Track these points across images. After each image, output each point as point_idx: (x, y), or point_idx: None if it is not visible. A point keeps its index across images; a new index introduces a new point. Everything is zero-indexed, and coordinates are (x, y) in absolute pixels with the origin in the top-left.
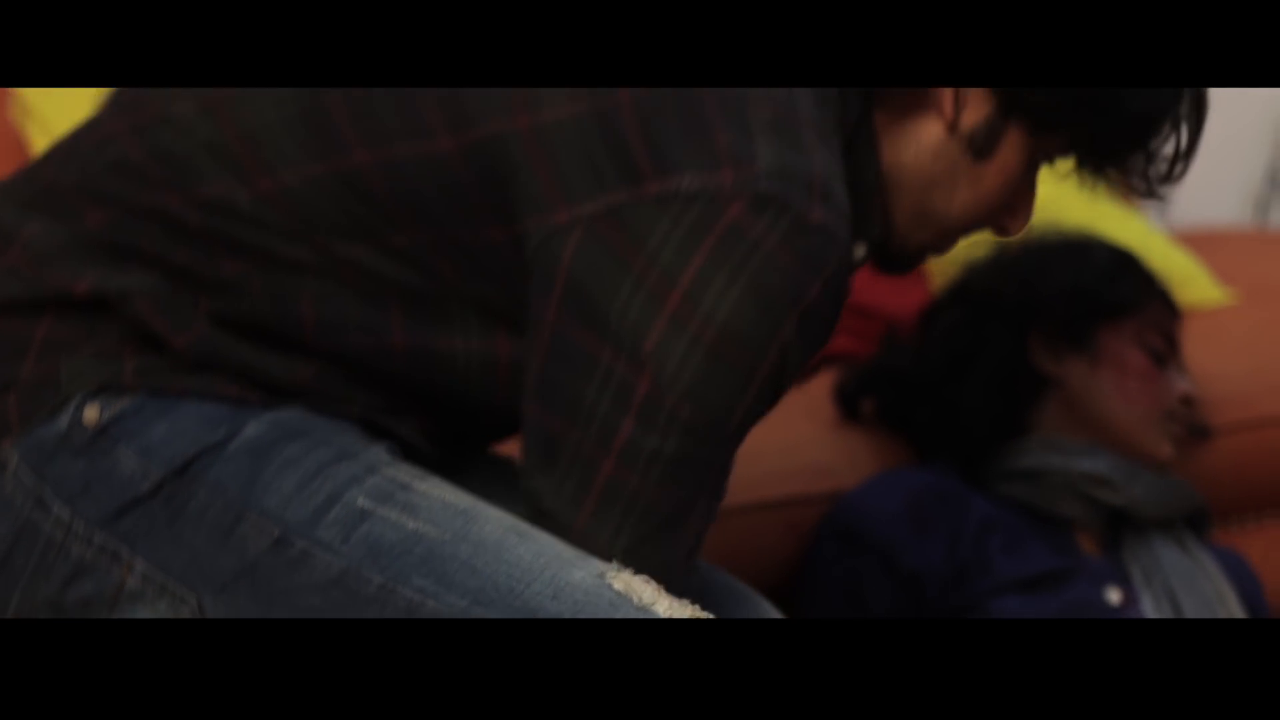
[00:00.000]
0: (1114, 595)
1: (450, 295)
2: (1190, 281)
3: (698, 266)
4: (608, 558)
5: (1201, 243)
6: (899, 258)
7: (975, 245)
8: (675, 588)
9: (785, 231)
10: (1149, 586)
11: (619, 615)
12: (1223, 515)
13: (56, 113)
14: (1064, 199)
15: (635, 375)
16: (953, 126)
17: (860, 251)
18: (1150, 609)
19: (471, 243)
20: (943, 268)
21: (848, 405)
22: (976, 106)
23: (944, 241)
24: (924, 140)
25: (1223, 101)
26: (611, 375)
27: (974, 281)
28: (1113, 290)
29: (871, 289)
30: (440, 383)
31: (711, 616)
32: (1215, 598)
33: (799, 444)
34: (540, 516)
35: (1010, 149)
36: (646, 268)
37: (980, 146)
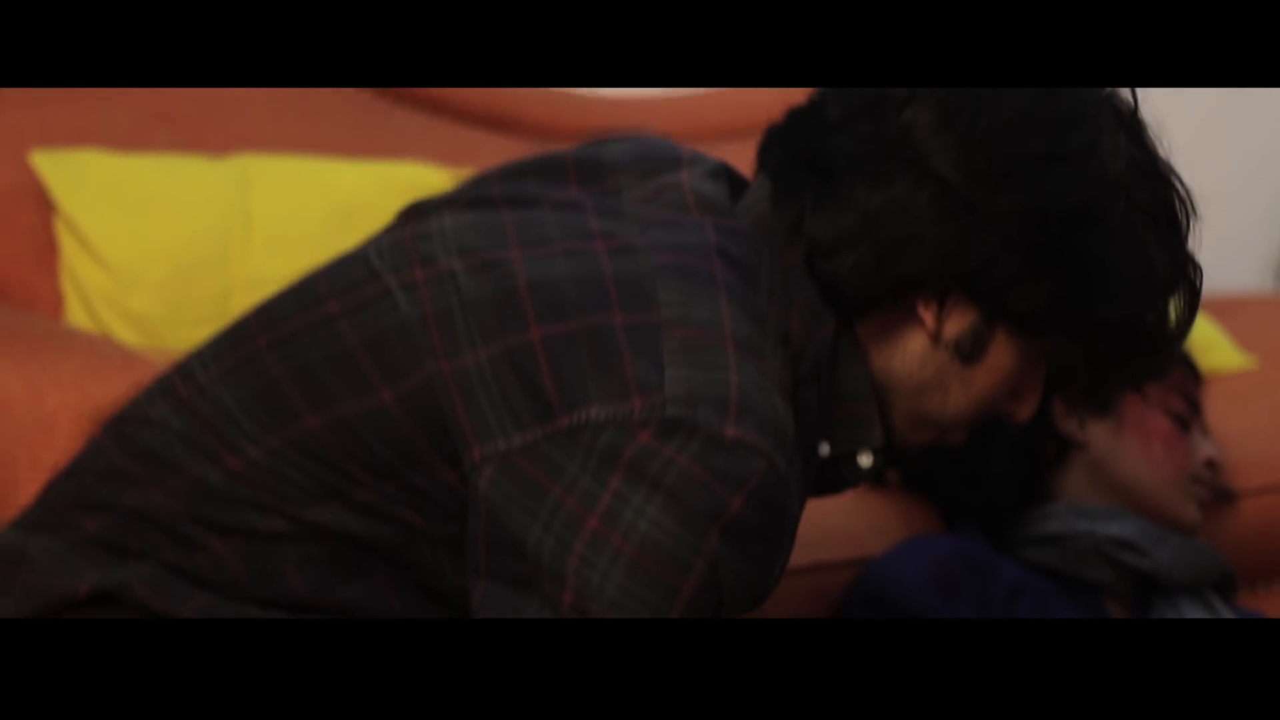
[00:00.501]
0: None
1: (421, 540)
2: (1212, 347)
3: (614, 488)
4: None
5: (1222, 309)
6: (906, 457)
7: None
8: None
9: (697, 451)
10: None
11: None
12: (1248, 578)
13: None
14: None
15: (559, 591)
16: (936, 337)
17: (824, 449)
18: None
19: (429, 487)
20: None
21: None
22: (960, 316)
23: (948, 436)
24: (910, 349)
25: (1239, 167)
26: (543, 594)
27: None
28: None
29: None
30: (438, 616)
31: None
32: None
33: (824, 510)
34: None
35: (1001, 351)
36: (564, 494)
37: (968, 353)
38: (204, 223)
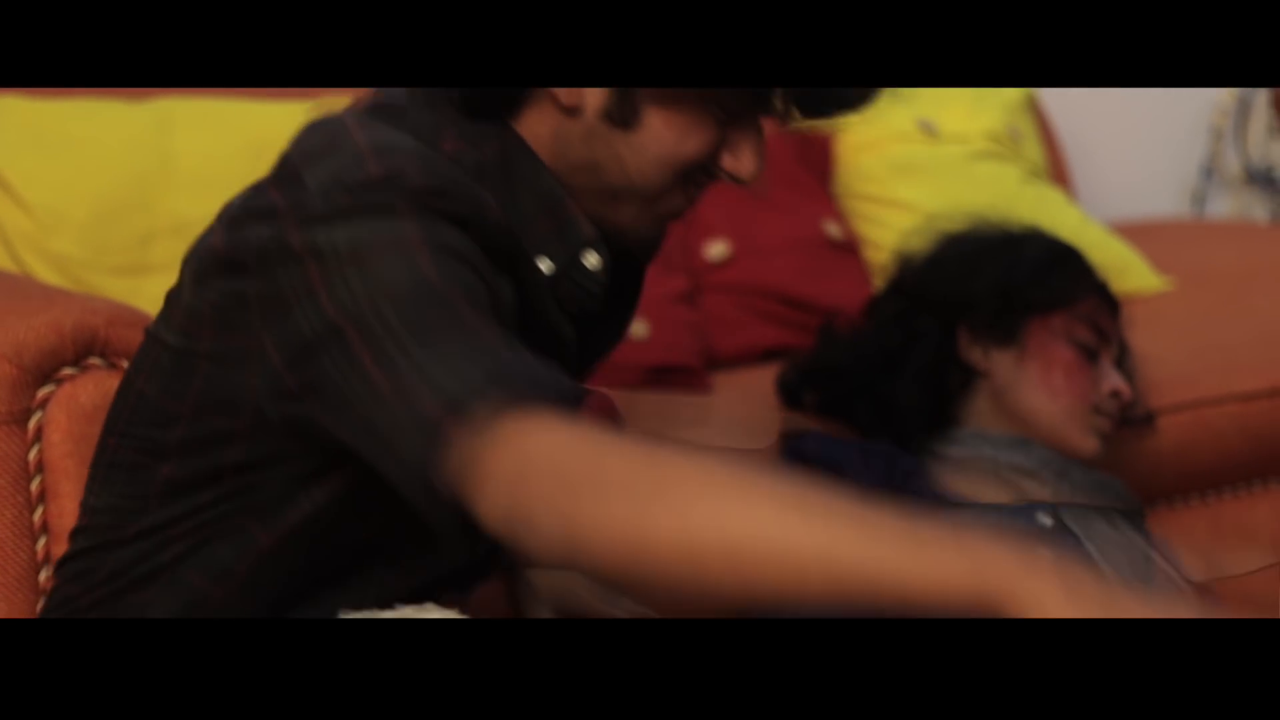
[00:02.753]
0: (1046, 519)
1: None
2: (1129, 270)
3: (311, 273)
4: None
5: (1140, 233)
6: (633, 244)
7: (913, 236)
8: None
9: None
10: (1090, 540)
11: None
12: (1165, 494)
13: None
14: (1005, 188)
15: (340, 329)
16: (579, 110)
17: (546, 265)
18: (1094, 554)
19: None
20: (886, 264)
21: (790, 397)
22: (596, 90)
23: (657, 205)
24: (569, 135)
25: (1158, 98)
26: (332, 354)
27: (908, 275)
28: (1042, 286)
29: (816, 285)
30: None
31: None
32: (1144, 559)
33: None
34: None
35: (656, 113)
36: (295, 299)
37: (620, 119)
38: (125, 165)
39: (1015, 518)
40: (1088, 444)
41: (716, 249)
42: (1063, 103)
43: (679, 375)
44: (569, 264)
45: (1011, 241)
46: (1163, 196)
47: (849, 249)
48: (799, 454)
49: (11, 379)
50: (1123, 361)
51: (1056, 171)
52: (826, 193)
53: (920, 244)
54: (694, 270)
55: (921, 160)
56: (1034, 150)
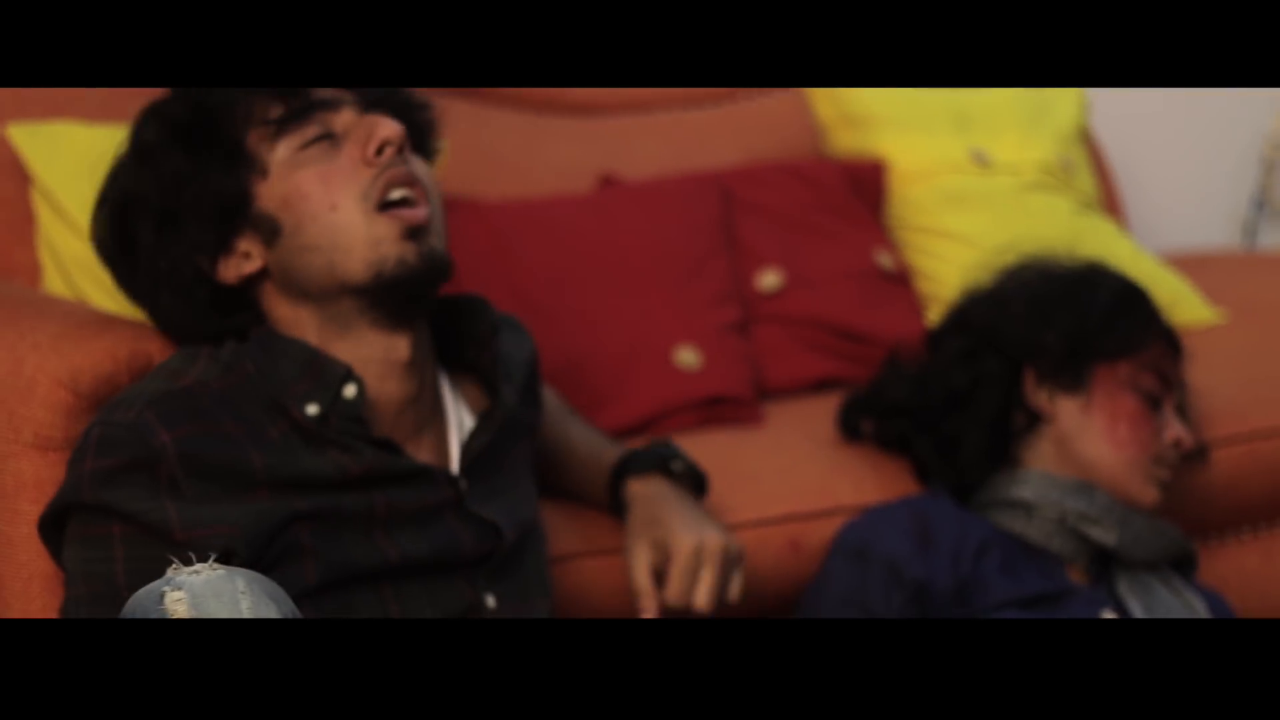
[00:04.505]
0: (1109, 616)
1: None
2: (1180, 302)
3: None
4: None
5: (1190, 265)
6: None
7: (979, 271)
8: None
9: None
10: (1151, 614)
11: None
12: (1216, 526)
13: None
14: (1057, 219)
15: None
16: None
17: (313, 410)
18: None
19: None
20: (940, 302)
21: (849, 427)
22: (243, 255)
23: (352, 240)
24: (269, 297)
25: (1210, 128)
26: None
27: (975, 312)
28: (1110, 334)
29: (868, 316)
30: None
31: None
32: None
33: (797, 464)
34: None
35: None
36: None
37: (268, 234)
38: None
39: (1084, 612)
40: (1148, 494)
41: (768, 279)
42: (1115, 134)
43: (730, 406)
44: (333, 402)
45: (1081, 284)
46: (1213, 228)
47: (901, 280)
48: (850, 546)
49: (67, 405)
50: (1182, 405)
51: (1109, 202)
52: (878, 223)
53: (986, 280)
54: (746, 301)
55: (974, 191)
56: (1086, 181)
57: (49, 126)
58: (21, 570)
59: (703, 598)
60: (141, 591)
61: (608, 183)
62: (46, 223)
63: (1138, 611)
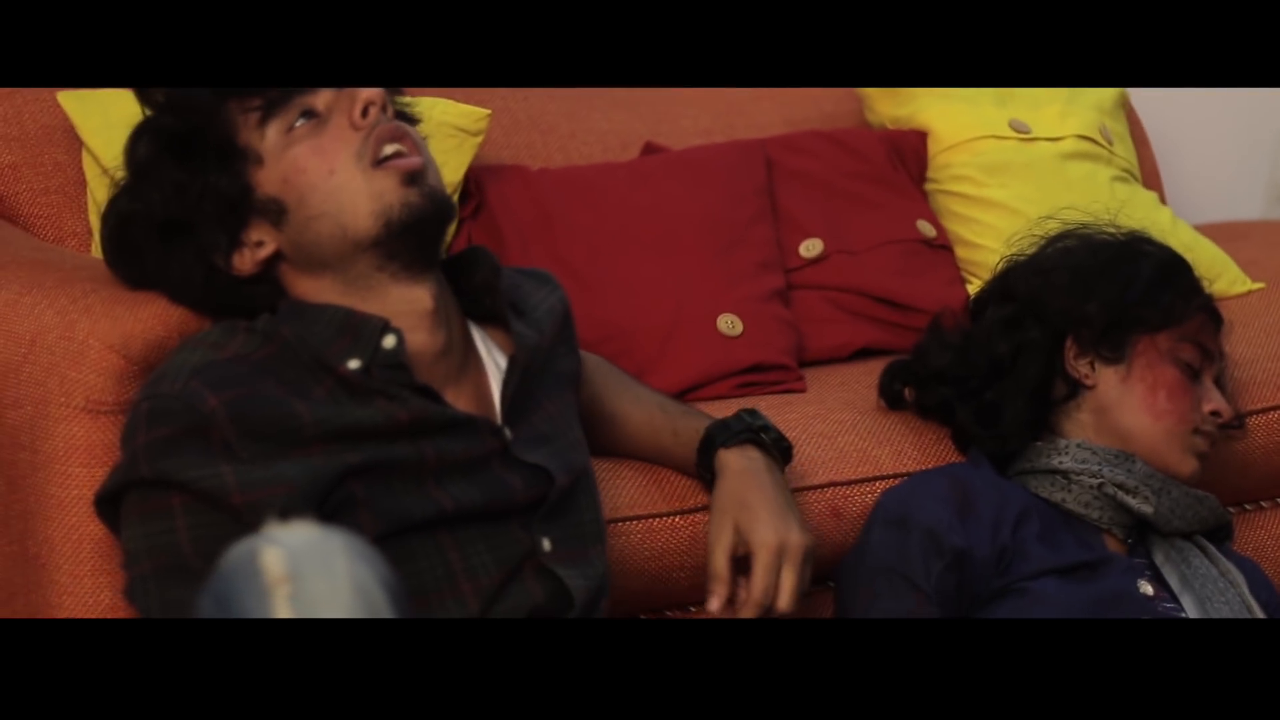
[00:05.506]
0: (1147, 588)
1: None
2: (1218, 271)
3: None
4: None
5: (1227, 235)
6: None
7: (1022, 239)
8: None
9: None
10: (1189, 589)
11: None
12: (1253, 495)
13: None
14: (1096, 188)
15: None
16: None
17: (354, 364)
18: (1192, 610)
19: None
20: (981, 270)
21: (890, 395)
22: (257, 243)
23: (355, 198)
24: (298, 269)
25: (1245, 102)
26: None
27: (1018, 281)
28: (1152, 306)
29: (909, 284)
30: None
31: None
32: (1242, 605)
33: (838, 431)
34: None
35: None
36: None
37: (276, 217)
38: None
39: (1121, 581)
40: (1187, 465)
41: (809, 247)
42: (1152, 105)
43: (772, 373)
44: (374, 354)
45: (1124, 255)
46: (1250, 199)
47: (942, 248)
48: (891, 514)
49: (119, 370)
50: (1221, 377)
51: (1147, 173)
52: (919, 192)
53: (1029, 248)
54: (787, 269)
55: (1014, 160)
56: (1126, 151)
57: (99, 93)
58: (72, 533)
59: (785, 600)
60: (237, 548)
61: (651, 150)
62: (97, 189)
63: (1174, 580)
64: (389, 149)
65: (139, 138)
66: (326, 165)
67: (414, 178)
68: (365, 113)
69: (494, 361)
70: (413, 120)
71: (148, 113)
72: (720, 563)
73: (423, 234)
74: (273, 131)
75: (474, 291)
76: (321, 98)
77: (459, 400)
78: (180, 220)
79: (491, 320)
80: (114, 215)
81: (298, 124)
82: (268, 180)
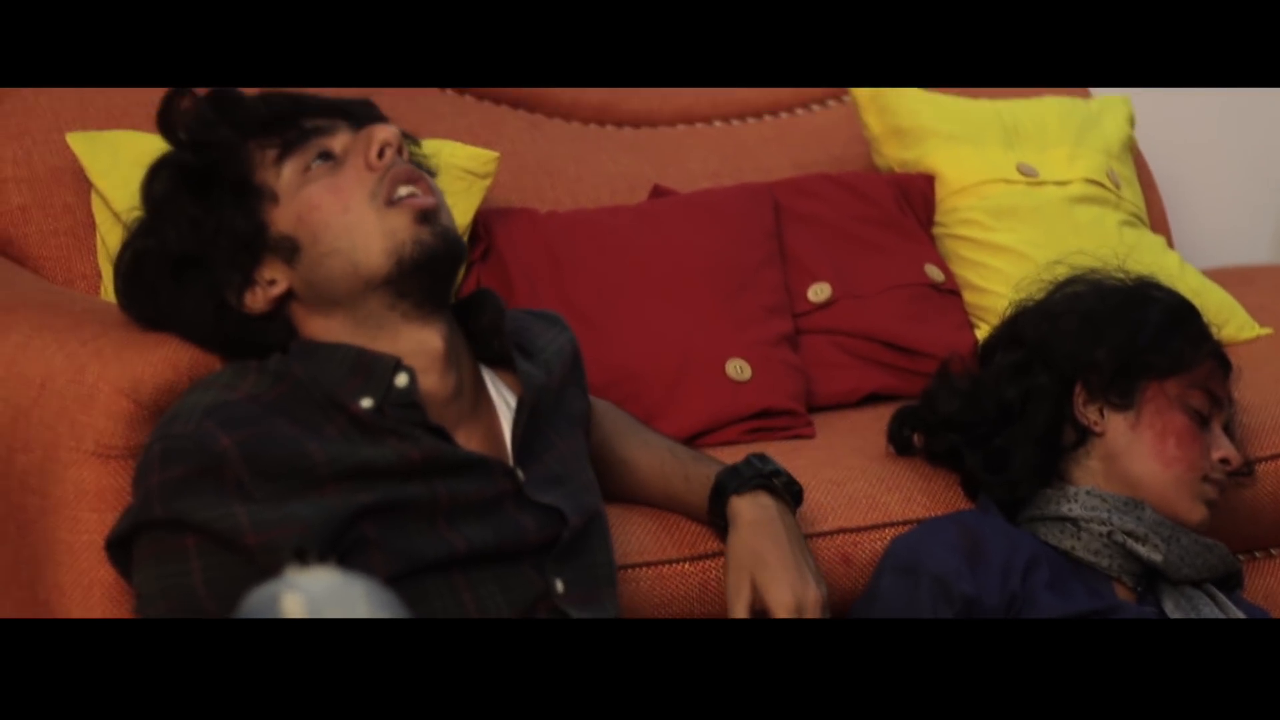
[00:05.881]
0: None
1: None
2: (1226, 316)
3: None
4: None
5: (1235, 280)
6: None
7: (1030, 284)
8: None
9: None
10: None
11: None
12: (1262, 542)
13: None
14: (1104, 233)
15: None
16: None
17: (367, 403)
18: None
19: None
20: (989, 314)
21: (899, 441)
22: (269, 282)
23: (369, 236)
24: (309, 308)
25: (1253, 145)
26: None
27: (1027, 326)
28: (1161, 352)
29: (917, 329)
30: None
31: None
32: None
33: (848, 478)
34: None
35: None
36: None
37: (289, 254)
38: None
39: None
40: (1196, 512)
41: (818, 291)
42: (1159, 149)
43: (781, 418)
44: (386, 393)
45: (1133, 301)
46: (1257, 243)
47: (950, 292)
48: (900, 561)
49: (128, 414)
50: (1230, 423)
51: (1155, 217)
52: (927, 236)
53: (1037, 293)
54: (795, 313)
55: (1021, 204)
56: (1134, 195)
57: (108, 135)
58: (82, 578)
59: None
60: (258, 593)
61: (659, 193)
62: (106, 231)
63: None
64: (403, 190)
65: (157, 173)
66: (341, 203)
67: (427, 216)
68: (381, 154)
69: (505, 403)
70: (429, 171)
71: (168, 148)
72: (739, 618)
73: (434, 272)
74: (289, 170)
75: (481, 334)
76: (339, 140)
77: (471, 442)
78: (194, 256)
79: (501, 363)
80: (128, 251)
81: (314, 164)
82: (282, 218)
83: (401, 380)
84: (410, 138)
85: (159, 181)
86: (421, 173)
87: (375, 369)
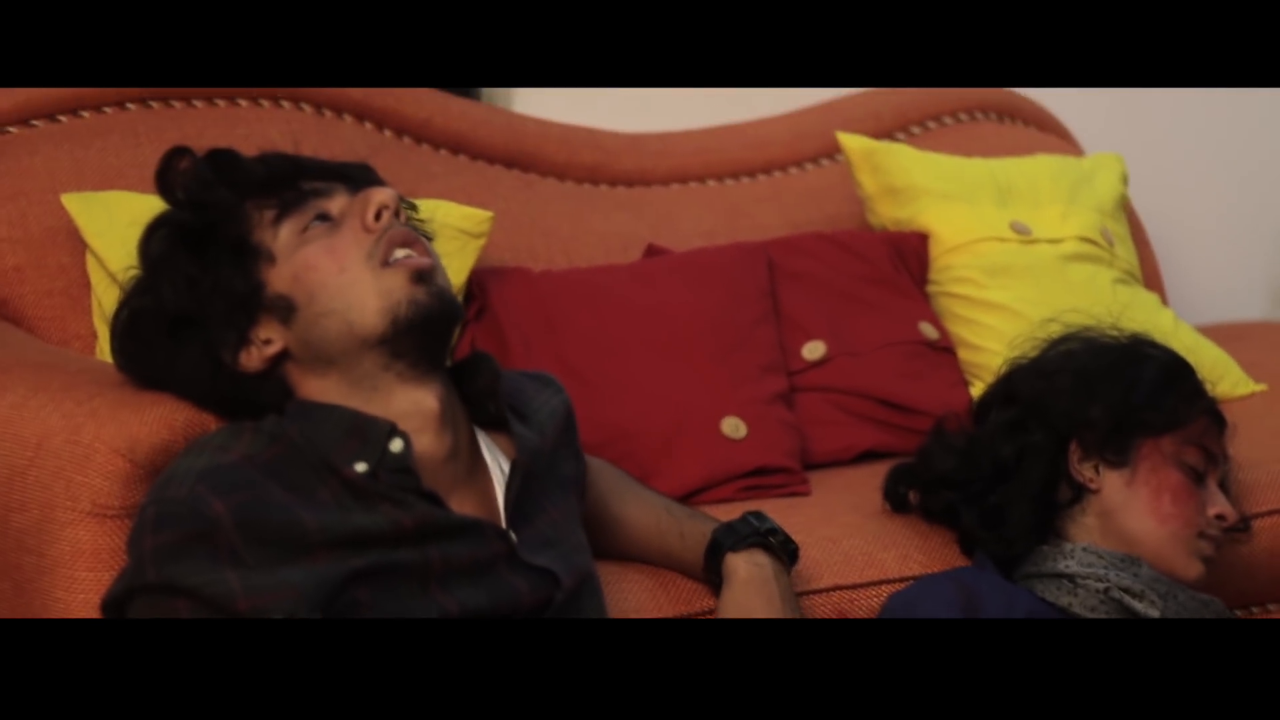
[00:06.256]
0: None
1: None
2: (1221, 373)
3: None
4: None
5: (1228, 336)
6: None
7: (1024, 342)
8: None
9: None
10: None
11: None
12: (1259, 598)
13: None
14: (1098, 290)
15: None
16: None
17: (361, 468)
18: None
19: None
20: (984, 372)
21: (895, 498)
22: (264, 343)
23: (364, 295)
24: (305, 367)
25: (1246, 205)
26: None
27: (1022, 384)
28: (1156, 410)
29: (912, 386)
30: None
31: None
32: None
33: (843, 535)
34: None
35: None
36: None
37: (285, 313)
38: None
39: None
40: (1192, 568)
41: (812, 349)
42: (1153, 206)
43: (776, 476)
44: (381, 458)
45: (1127, 359)
46: (1251, 300)
47: (944, 350)
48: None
49: (125, 474)
50: (1225, 479)
51: (1149, 274)
52: (921, 294)
53: (1032, 351)
54: (790, 371)
55: (1015, 262)
56: (1128, 253)
57: (103, 195)
58: None
59: None
60: None
61: (654, 252)
62: (101, 291)
63: None
64: (400, 253)
65: (154, 231)
66: (337, 263)
67: (423, 276)
68: (378, 216)
69: (498, 466)
70: (425, 235)
71: (163, 208)
72: None
73: (429, 332)
74: (286, 231)
75: (477, 396)
76: (336, 202)
77: (465, 504)
78: (190, 315)
79: (495, 425)
80: (125, 309)
81: (311, 225)
82: (279, 278)
83: (396, 445)
84: (408, 202)
85: (156, 240)
86: (418, 235)
87: (370, 433)
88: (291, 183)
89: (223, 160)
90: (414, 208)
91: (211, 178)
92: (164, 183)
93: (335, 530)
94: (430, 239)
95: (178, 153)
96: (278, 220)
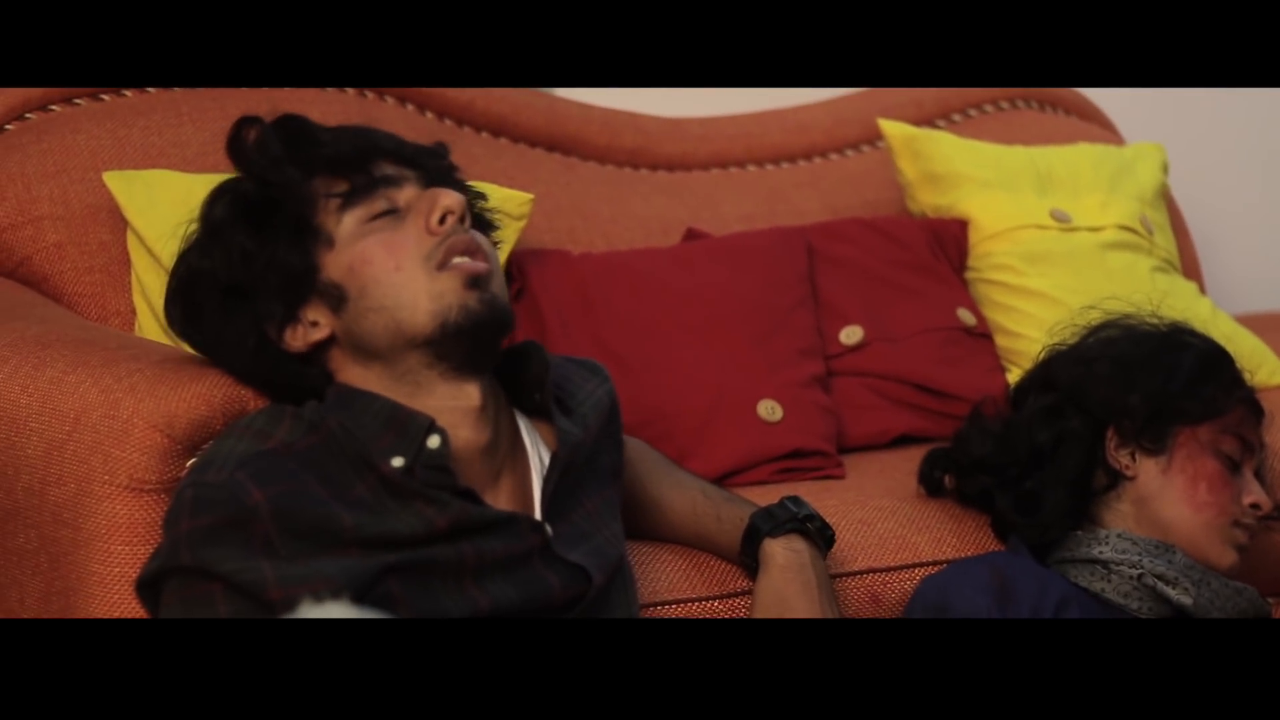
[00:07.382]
0: None
1: None
2: (1258, 362)
3: None
4: None
5: (1266, 326)
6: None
7: (1064, 329)
8: None
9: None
10: None
11: None
12: None
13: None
14: (1137, 278)
15: None
16: (332, 338)
17: (398, 462)
18: None
19: None
20: (1021, 359)
21: (930, 482)
22: (310, 324)
23: (416, 296)
24: (351, 356)
25: (1277, 195)
26: None
27: (1060, 371)
28: (1194, 398)
29: (949, 372)
30: None
31: None
32: None
33: (877, 518)
34: None
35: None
36: None
37: (337, 301)
38: None
39: None
40: (1226, 557)
41: (850, 334)
42: (1192, 195)
43: (811, 459)
44: (418, 453)
45: (1166, 347)
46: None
47: (982, 336)
48: (930, 603)
49: (162, 449)
50: (1261, 468)
51: (1188, 263)
52: (960, 280)
53: (1071, 338)
54: (827, 355)
55: (1054, 249)
56: (1167, 241)
57: (144, 174)
58: (113, 611)
59: None
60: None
61: (693, 236)
62: (141, 268)
63: None
64: (458, 260)
65: (218, 197)
66: (394, 261)
67: (477, 281)
68: (443, 220)
69: (538, 456)
70: (490, 225)
71: (210, 184)
72: None
73: (477, 339)
74: (350, 219)
75: (525, 386)
76: (404, 194)
77: (500, 497)
78: (242, 286)
79: (538, 413)
80: (182, 268)
81: (377, 218)
82: (334, 265)
83: (433, 442)
84: (476, 191)
85: (219, 206)
86: (480, 243)
87: (409, 427)
88: (362, 165)
89: (294, 131)
90: (483, 196)
91: (280, 154)
92: (233, 152)
93: (368, 530)
94: (496, 229)
95: (247, 122)
96: (343, 206)
